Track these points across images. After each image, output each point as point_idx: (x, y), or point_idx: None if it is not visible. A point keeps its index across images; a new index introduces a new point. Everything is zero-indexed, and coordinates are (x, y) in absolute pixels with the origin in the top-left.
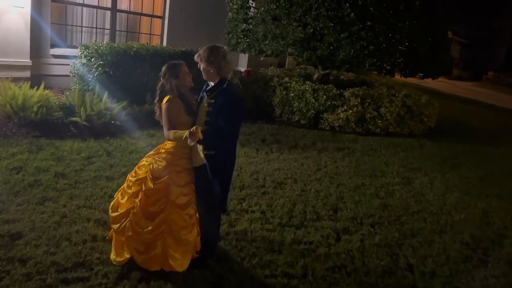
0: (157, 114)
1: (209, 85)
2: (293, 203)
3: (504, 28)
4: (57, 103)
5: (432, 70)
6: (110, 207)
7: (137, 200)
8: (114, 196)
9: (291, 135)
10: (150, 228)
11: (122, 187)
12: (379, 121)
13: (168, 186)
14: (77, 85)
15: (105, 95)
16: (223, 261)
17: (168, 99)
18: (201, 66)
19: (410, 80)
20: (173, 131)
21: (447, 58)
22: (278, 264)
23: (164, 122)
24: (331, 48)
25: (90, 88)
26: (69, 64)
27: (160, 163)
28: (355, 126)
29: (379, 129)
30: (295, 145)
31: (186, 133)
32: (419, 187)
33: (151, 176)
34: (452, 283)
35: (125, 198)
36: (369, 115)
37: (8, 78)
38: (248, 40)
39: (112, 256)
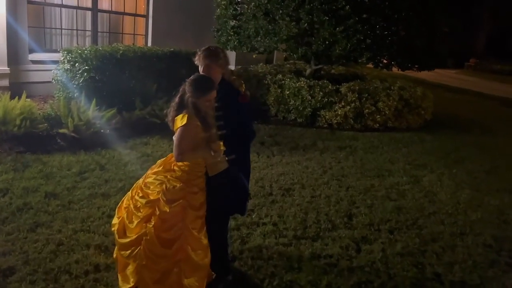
0: (169, 119)
1: None
2: (305, 212)
3: (484, 15)
4: (41, 114)
5: (429, 62)
6: (115, 230)
7: (150, 225)
8: (116, 214)
9: (290, 135)
10: (167, 256)
11: (126, 205)
12: (378, 116)
13: (185, 209)
14: (61, 92)
15: (93, 103)
16: (240, 284)
17: (186, 123)
18: (212, 68)
19: (397, 71)
20: (190, 154)
21: (443, 49)
22: (301, 284)
23: (176, 144)
24: (327, 43)
25: (75, 95)
26: (50, 70)
27: (174, 183)
28: (354, 122)
29: (377, 125)
30: (296, 146)
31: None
32: (429, 186)
33: (164, 198)
34: None
35: (135, 223)
36: (367, 110)
37: None
38: (238, 37)
39: (120, 283)
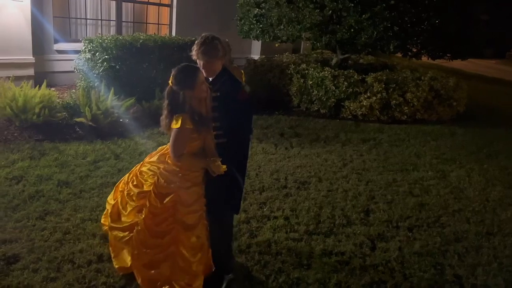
0: (163, 124)
1: (208, 78)
2: (320, 206)
3: None
4: (60, 102)
5: (462, 50)
6: (109, 214)
7: (141, 217)
8: (113, 193)
9: (312, 127)
10: (158, 246)
11: (122, 188)
12: (405, 108)
13: (176, 205)
14: (82, 81)
15: (111, 92)
16: (246, 280)
17: (180, 126)
18: (213, 63)
19: (430, 60)
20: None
21: (478, 38)
22: (308, 282)
23: (171, 149)
24: (352, 31)
25: (95, 84)
26: (74, 60)
27: (165, 177)
28: (380, 114)
29: (405, 116)
30: (317, 138)
31: (205, 163)
32: (456, 181)
33: (155, 192)
34: None
35: (128, 210)
36: (394, 101)
37: (10, 77)
38: (261, 25)
39: (115, 264)
